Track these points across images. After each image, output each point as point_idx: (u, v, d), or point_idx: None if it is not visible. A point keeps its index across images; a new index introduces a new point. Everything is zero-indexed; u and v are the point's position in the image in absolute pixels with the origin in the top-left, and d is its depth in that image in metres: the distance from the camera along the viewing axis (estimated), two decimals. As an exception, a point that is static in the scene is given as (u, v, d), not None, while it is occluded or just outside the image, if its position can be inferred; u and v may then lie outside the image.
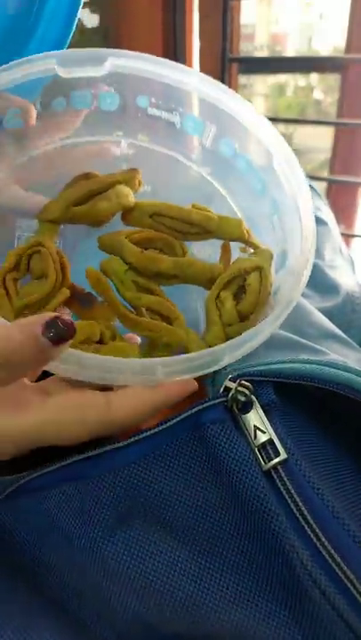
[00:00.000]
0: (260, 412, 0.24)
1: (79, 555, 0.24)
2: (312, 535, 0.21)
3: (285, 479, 0.23)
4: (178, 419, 0.25)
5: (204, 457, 0.24)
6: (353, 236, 0.82)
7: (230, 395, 0.25)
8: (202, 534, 0.23)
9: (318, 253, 0.51)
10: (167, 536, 0.23)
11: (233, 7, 0.78)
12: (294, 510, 0.22)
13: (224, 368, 0.26)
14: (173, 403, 0.25)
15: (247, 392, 0.25)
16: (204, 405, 0.25)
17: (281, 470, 0.23)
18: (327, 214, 0.60)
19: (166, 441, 0.25)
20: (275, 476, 0.23)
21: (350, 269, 0.57)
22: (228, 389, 0.25)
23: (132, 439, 0.25)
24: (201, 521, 0.23)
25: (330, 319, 0.39)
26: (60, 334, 0.21)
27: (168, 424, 0.25)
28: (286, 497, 0.22)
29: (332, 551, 0.21)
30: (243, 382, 0.25)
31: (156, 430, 0.25)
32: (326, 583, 0.20)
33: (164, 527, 0.24)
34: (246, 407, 0.25)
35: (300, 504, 0.22)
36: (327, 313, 0.41)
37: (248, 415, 0.24)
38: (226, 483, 0.23)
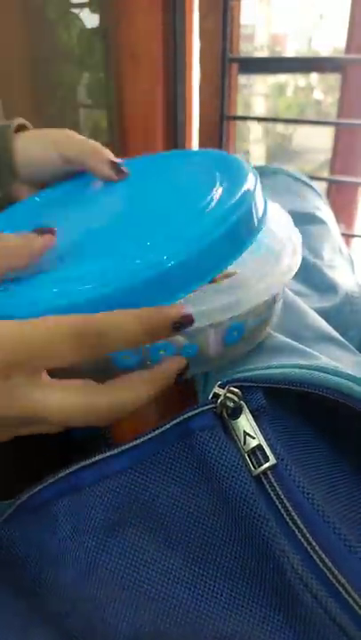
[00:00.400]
0: (250, 417, 0.24)
1: (75, 567, 0.24)
2: (303, 540, 0.21)
3: (275, 484, 0.23)
4: (167, 426, 0.25)
5: (194, 464, 0.24)
6: (353, 235, 0.82)
7: (219, 401, 0.25)
8: (194, 541, 0.23)
9: (317, 253, 0.51)
10: (160, 544, 0.23)
11: (233, 7, 0.78)
12: (284, 515, 0.22)
13: (214, 375, 0.27)
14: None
15: (236, 398, 0.25)
16: (194, 412, 0.25)
17: (271, 475, 0.23)
18: (327, 214, 0.60)
19: (156, 449, 0.25)
20: (265, 482, 0.23)
21: (350, 269, 0.57)
22: (217, 396, 0.25)
23: (123, 447, 0.25)
24: (193, 528, 0.23)
25: (327, 320, 0.39)
26: None
27: (158, 431, 0.25)
28: (276, 502, 0.22)
29: (323, 555, 0.21)
30: (231, 388, 0.25)
31: (145, 438, 0.25)
32: (318, 587, 0.20)
33: (156, 535, 0.24)
34: (236, 413, 0.25)
35: (290, 509, 0.22)
36: (325, 313, 0.41)
37: (238, 421, 0.25)
38: (217, 489, 0.24)
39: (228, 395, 0.25)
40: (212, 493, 0.24)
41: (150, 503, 0.24)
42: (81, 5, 0.88)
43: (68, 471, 0.25)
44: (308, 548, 0.21)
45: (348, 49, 0.73)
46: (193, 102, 0.88)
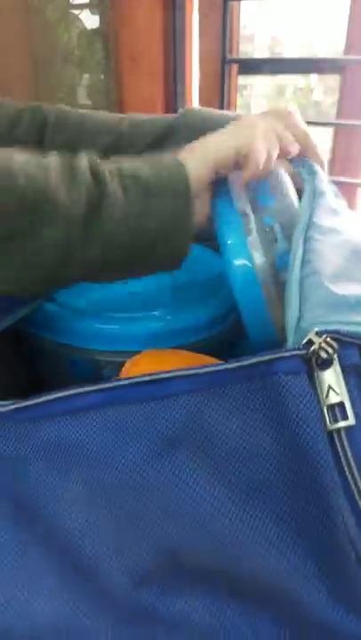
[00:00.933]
0: (339, 372, 0.23)
1: (113, 478, 0.23)
2: None
3: (346, 444, 0.22)
4: (253, 360, 0.24)
5: (269, 404, 0.24)
6: (352, 236, 0.82)
7: (312, 348, 0.24)
8: (246, 477, 0.23)
9: None
10: (211, 471, 0.23)
11: (233, 8, 0.78)
12: (348, 476, 0.22)
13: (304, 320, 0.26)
14: None
15: (331, 350, 0.24)
16: (283, 354, 0.24)
17: (344, 434, 0.22)
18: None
19: (232, 379, 0.24)
20: (336, 439, 0.22)
21: None
22: (310, 342, 0.24)
23: (187, 372, 0.24)
24: (249, 464, 0.23)
25: None
26: None
27: (237, 364, 0.24)
28: (343, 461, 0.22)
29: None
30: (328, 340, 0.24)
31: (221, 367, 0.24)
32: None
33: (209, 462, 0.23)
34: (325, 364, 0.24)
35: (356, 471, 0.22)
36: None
37: (325, 373, 0.24)
38: (286, 434, 0.23)
39: (324, 345, 0.24)
40: (280, 437, 0.23)
41: (211, 430, 0.24)
42: (81, 6, 0.88)
43: (116, 384, 0.25)
44: None
45: (348, 50, 0.73)
46: (193, 103, 0.88)
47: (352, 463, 0.22)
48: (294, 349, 0.24)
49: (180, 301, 0.48)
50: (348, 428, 0.22)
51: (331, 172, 0.81)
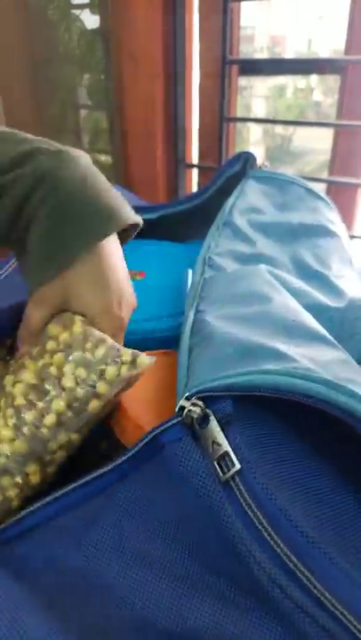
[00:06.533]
0: (216, 425, 0.25)
1: (77, 559, 0.25)
2: (268, 538, 0.22)
3: (242, 488, 0.24)
4: (143, 442, 0.27)
5: (169, 474, 0.26)
6: (352, 237, 0.82)
7: (185, 413, 0.26)
8: (182, 542, 0.25)
9: (326, 264, 0.51)
10: (156, 540, 0.25)
11: (233, 9, 0.78)
12: (251, 516, 0.23)
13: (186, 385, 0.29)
14: None
15: (199, 410, 0.26)
16: (165, 426, 0.26)
17: (238, 480, 0.24)
18: (340, 227, 0.60)
19: (138, 464, 0.27)
20: (233, 486, 0.24)
21: (359, 281, 0.57)
22: (183, 408, 0.26)
23: (109, 467, 0.28)
24: (178, 530, 0.25)
25: (331, 323, 0.39)
26: None
27: (135, 449, 0.27)
28: (243, 505, 0.23)
29: (287, 551, 0.22)
30: (194, 401, 0.26)
31: (126, 457, 0.27)
32: (286, 582, 0.21)
33: (152, 536, 0.26)
34: (203, 423, 0.26)
35: (256, 510, 0.23)
36: (328, 318, 0.41)
37: (206, 430, 0.25)
38: (189, 496, 0.25)
39: (192, 407, 0.26)
40: (186, 500, 0.25)
41: (147, 506, 0.26)
42: (81, 6, 0.88)
43: (72, 486, 0.28)
44: (275, 546, 0.22)
45: (348, 50, 0.73)
46: (193, 104, 0.88)
47: (251, 502, 0.23)
48: (172, 419, 0.26)
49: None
50: (238, 473, 0.24)
51: (331, 173, 0.81)
